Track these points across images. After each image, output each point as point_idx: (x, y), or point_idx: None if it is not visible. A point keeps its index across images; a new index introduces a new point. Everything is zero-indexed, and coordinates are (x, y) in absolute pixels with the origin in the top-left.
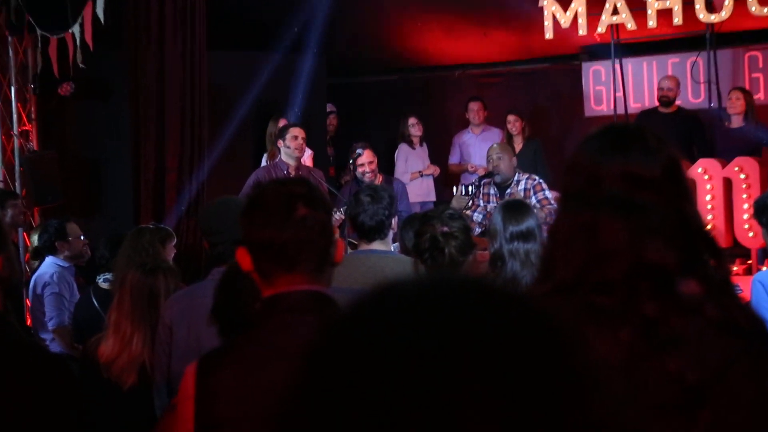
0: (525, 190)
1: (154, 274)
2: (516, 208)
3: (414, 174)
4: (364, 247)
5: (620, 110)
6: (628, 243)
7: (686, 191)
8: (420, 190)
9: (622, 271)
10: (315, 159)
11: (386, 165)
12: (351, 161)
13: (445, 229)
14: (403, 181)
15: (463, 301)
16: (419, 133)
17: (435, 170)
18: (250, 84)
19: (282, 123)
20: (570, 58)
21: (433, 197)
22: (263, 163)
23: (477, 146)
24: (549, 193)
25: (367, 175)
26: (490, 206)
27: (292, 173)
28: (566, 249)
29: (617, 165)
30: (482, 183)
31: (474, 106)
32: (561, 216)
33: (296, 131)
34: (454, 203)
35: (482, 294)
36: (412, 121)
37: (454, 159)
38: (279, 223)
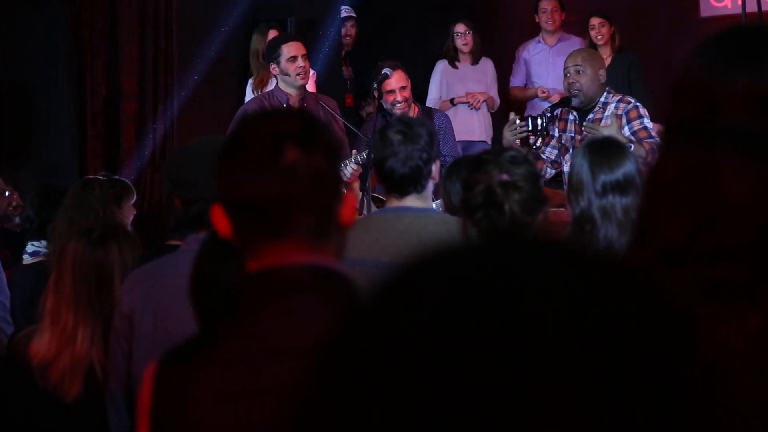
0: (615, 116)
1: (105, 244)
2: (607, 149)
3: (444, 103)
4: (395, 203)
5: (751, 7)
6: (758, 194)
7: None
8: (468, 126)
9: (750, 233)
10: (327, 83)
11: (425, 91)
12: (375, 86)
13: (505, 177)
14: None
15: (544, 276)
16: (468, 47)
17: (474, 100)
18: None
19: (272, 35)
20: None
21: (487, 136)
22: (247, 92)
23: (550, 62)
24: (649, 123)
25: (398, 105)
26: (566, 137)
27: (295, 106)
28: (672, 201)
29: (743, 84)
30: (555, 113)
31: (547, 5)
32: (665, 155)
33: (293, 48)
34: (507, 135)
35: (570, 265)
36: (459, 28)
37: (517, 80)
38: (258, 172)
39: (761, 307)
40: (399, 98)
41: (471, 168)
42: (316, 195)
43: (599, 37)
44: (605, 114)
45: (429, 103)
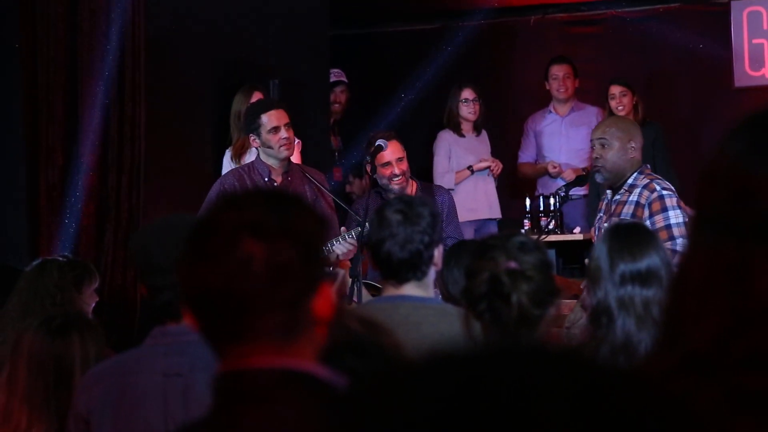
0: (636, 204)
1: (65, 334)
2: (631, 235)
3: (461, 173)
4: (392, 291)
5: None
6: None
7: None
8: (473, 203)
9: None
10: (313, 153)
11: (424, 165)
12: (368, 159)
13: (513, 265)
14: (445, 186)
15: (552, 396)
16: (474, 116)
17: (496, 165)
18: (210, 34)
19: (256, 97)
20: None
21: (495, 213)
22: (225, 161)
23: (563, 134)
24: (676, 216)
25: (396, 179)
26: (599, 217)
27: (278, 180)
28: (701, 301)
29: None
30: (569, 194)
31: (559, 71)
32: (694, 249)
33: (274, 118)
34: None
35: (574, 381)
36: (466, 94)
37: (526, 155)
38: (211, 263)
39: None
40: (396, 171)
41: (475, 253)
42: (278, 291)
43: (620, 107)
44: (630, 198)
45: (436, 178)
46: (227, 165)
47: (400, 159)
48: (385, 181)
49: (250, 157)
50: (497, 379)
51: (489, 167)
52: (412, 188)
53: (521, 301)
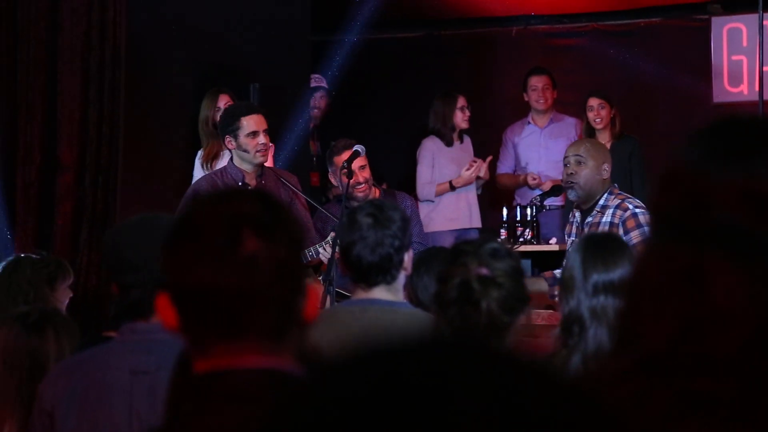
0: (610, 224)
1: (40, 330)
2: (605, 246)
3: (442, 186)
4: (362, 295)
5: None
6: (747, 302)
7: None
8: (454, 212)
9: (738, 344)
10: (292, 158)
11: (404, 172)
12: (344, 165)
13: (484, 271)
14: (425, 197)
15: (468, 388)
16: (467, 124)
17: (482, 169)
18: (191, 36)
19: (224, 102)
20: (692, 8)
21: (476, 222)
22: (196, 165)
23: (541, 146)
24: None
25: (358, 188)
26: (569, 241)
27: (252, 184)
28: (656, 304)
29: (736, 180)
30: (545, 203)
31: (538, 82)
32: (650, 253)
33: (253, 122)
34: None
35: (521, 389)
36: (462, 102)
37: (505, 166)
38: (214, 262)
39: (748, 425)
40: (360, 179)
41: (447, 259)
42: (277, 290)
43: (598, 120)
44: (603, 219)
45: (419, 188)
46: (198, 170)
47: (362, 167)
48: (350, 190)
49: (221, 163)
50: (414, 373)
51: (471, 182)
52: (375, 195)
53: (491, 307)
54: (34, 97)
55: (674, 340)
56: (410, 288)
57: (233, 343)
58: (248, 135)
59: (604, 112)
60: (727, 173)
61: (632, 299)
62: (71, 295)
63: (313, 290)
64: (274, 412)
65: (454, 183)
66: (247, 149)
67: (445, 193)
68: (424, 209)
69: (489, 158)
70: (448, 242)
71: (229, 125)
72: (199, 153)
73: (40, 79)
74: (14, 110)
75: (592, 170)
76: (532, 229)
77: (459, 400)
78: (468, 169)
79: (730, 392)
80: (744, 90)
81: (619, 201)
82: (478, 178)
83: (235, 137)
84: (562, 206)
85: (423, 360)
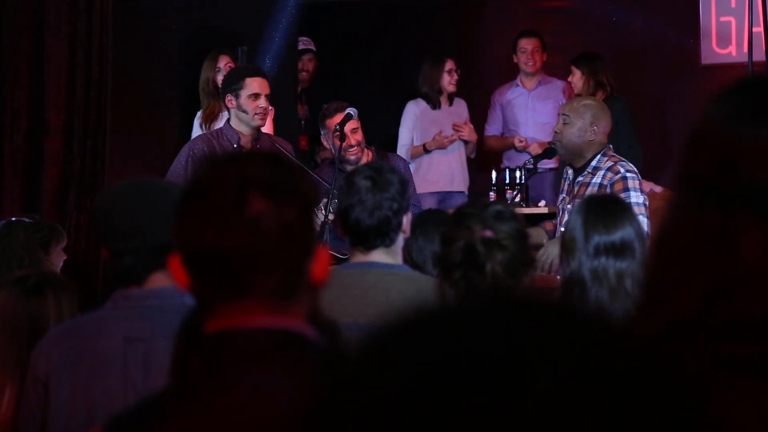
0: (599, 185)
1: (39, 293)
2: (606, 207)
3: (416, 149)
4: (360, 258)
5: (758, 56)
6: None
7: None
8: (434, 175)
9: None
10: (280, 121)
11: (391, 134)
12: (337, 128)
13: (488, 234)
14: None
15: (545, 345)
16: (455, 87)
17: (467, 132)
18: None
19: (224, 63)
20: None
21: (459, 186)
22: (195, 126)
23: (529, 108)
24: (638, 195)
25: (350, 150)
26: (560, 198)
27: (247, 147)
28: (684, 267)
29: (765, 139)
30: (537, 166)
31: (527, 44)
32: (677, 214)
33: (257, 84)
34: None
35: (572, 333)
36: (450, 65)
37: (493, 128)
38: (219, 223)
39: None
40: (352, 141)
41: (451, 222)
42: (284, 251)
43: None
44: (593, 180)
45: (400, 149)
46: (197, 130)
47: (354, 130)
48: (342, 153)
49: (220, 124)
50: (488, 337)
51: (443, 146)
52: (367, 157)
53: (495, 270)
54: (21, 62)
55: (703, 303)
56: (405, 250)
57: (240, 304)
58: (250, 96)
59: (575, 79)
60: (756, 133)
61: (659, 262)
62: (65, 257)
63: (322, 252)
64: (338, 386)
65: (427, 146)
66: (247, 110)
67: (421, 155)
68: None
69: (469, 132)
70: (429, 204)
71: (232, 84)
72: (199, 113)
73: (26, 44)
74: (0, 76)
75: (579, 130)
76: (521, 192)
77: (538, 365)
78: (441, 134)
79: (761, 355)
80: (732, 51)
81: (612, 163)
82: (465, 142)
83: (237, 96)
84: (552, 169)
85: (491, 323)
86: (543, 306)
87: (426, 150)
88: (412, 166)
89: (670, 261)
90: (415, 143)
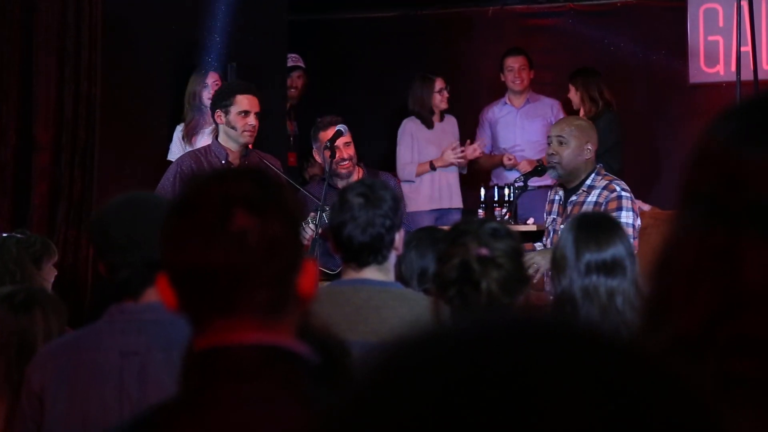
0: (595, 203)
1: (28, 310)
2: (597, 225)
3: (423, 166)
4: (352, 275)
5: (746, 75)
6: None
7: None
8: (435, 191)
9: None
10: (269, 138)
11: (379, 152)
12: (327, 144)
13: (484, 252)
14: (405, 177)
15: (559, 367)
16: (446, 104)
17: (473, 151)
18: (168, 16)
19: (212, 80)
20: None
21: (457, 203)
22: (175, 139)
23: (517, 126)
24: (629, 215)
25: (342, 164)
26: (549, 219)
27: (235, 163)
28: (687, 285)
29: None
30: (527, 184)
31: (514, 62)
32: (681, 233)
33: (247, 102)
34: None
35: (587, 355)
36: (440, 84)
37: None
38: (204, 239)
39: None
40: (345, 155)
41: (447, 239)
42: (270, 266)
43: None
44: (588, 199)
45: (399, 169)
46: (177, 141)
47: (347, 143)
48: (329, 166)
49: (200, 138)
50: (506, 362)
51: (452, 164)
52: (358, 174)
53: (491, 288)
54: (10, 77)
55: (708, 322)
56: (398, 266)
57: (228, 320)
58: (240, 113)
59: (571, 95)
60: (763, 153)
61: (663, 280)
62: (56, 273)
63: (310, 265)
64: (349, 411)
65: (435, 163)
66: (236, 126)
67: (426, 173)
68: (404, 189)
69: (476, 144)
70: (427, 222)
71: (222, 99)
72: (180, 126)
73: (16, 59)
74: None
75: (574, 150)
76: (509, 210)
77: (557, 391)
78: (453, 150)
79: (766, 373)
80: (720, 70)
81: (606, 182)
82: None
83: (226, 112)
84: (542, 186)
85: (504, 346)
86: (556, 325)
87: (432, 168)
88: (413, 184)
89: (674, 278)
90: (415, 161)
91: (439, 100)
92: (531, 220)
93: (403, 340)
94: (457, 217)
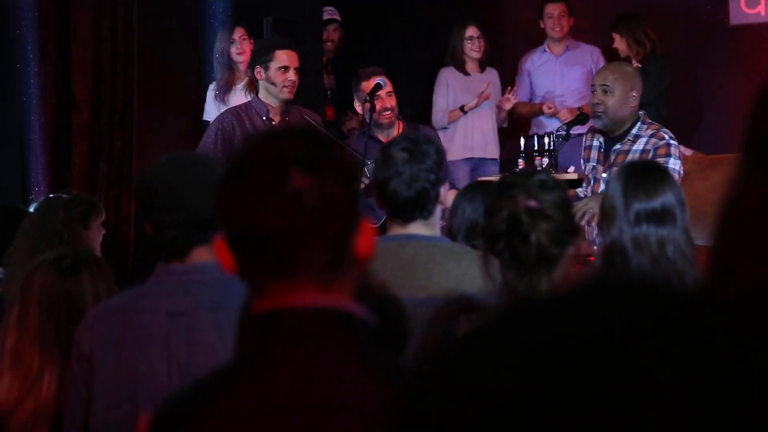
0: (642, 152)
1: (76, 272)
2: (646, 174)
3: (454, 112)
4: (398, 230)
5: None
6: None
7: None
8: (469, 140)
9: None
10: (306, 92)
11: (419, 102)
12: (367, 98)
13: (533, 203)
14: (438, 124)
15: (647, 327)
16: (479, 53)
17: (506, 99)
18: None
19: (239, 35)
20: None
21: (492, 153)
22: (209, 99)
23: (557, 74)
24: (675, 162)
25: (384, 114)
26: (589, 166)
27: (276, 120)
28: (754, 236)
29: None
30: (570, 132)
31: (554, 9)
32: (746, 182)
33: (287, 57)
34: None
35: (671, 314)
36: (471, 32)
37: (520, 94)
38: (260, 201)
39: None
40: (387, 105)
41: (495, 191)
42: (327, 227)
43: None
44: (633, 147)
45: (434, 116)
46: (210, 101)
47: (389, 93)
48: (370, 118)
49: (233, 95)
50: (591, 322)
51: (480, 102)
52: (398, 127)
53: (540, 240)
54: (47, 36)
55: None
56: (450, 219)
57: (286, 282)
58: (279, 69)
59: (616, 44)
60: None
61: (726, 232)
62: (104, 232)
63: (367, 226)
64: (435, 379)
65: (466, 107)
66: (275, 82)
67: (459, 118)
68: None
69: (509, 95)
70: (463, 171)
71: (262, 56)
72: (212, 85)
73: (52, 18)
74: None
75: (619, 98)
76: (551, 159)
77: (646, 350)
78: (483, 92)
79: None
80: (761, 11)
81: (653, 131)
82: (499, 110)
83: (266, 68)
84: (582, 134)
85: (592, 310)
86: (644, 288)
87: (463, 111)
88: (448, 131)
89: (738, 229)
90: (450, 108)
91: (470, 48)
92: (572, 168)
93: (496, 312)
94: (493, 168)
